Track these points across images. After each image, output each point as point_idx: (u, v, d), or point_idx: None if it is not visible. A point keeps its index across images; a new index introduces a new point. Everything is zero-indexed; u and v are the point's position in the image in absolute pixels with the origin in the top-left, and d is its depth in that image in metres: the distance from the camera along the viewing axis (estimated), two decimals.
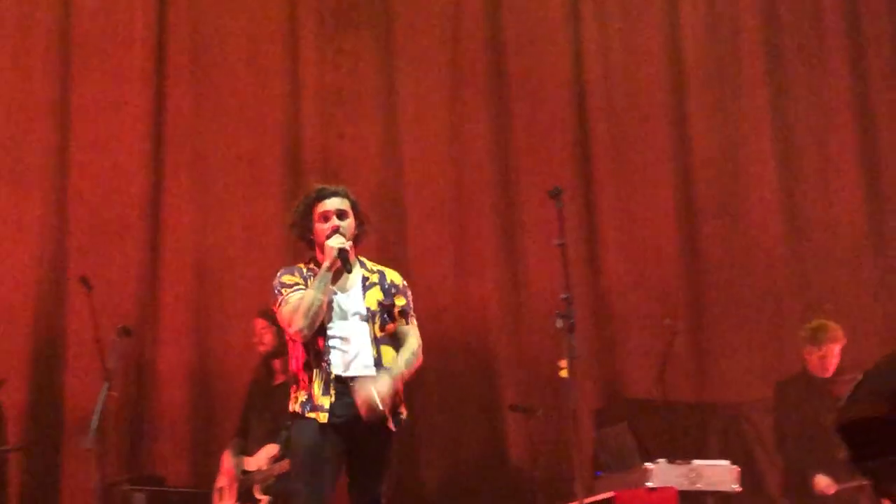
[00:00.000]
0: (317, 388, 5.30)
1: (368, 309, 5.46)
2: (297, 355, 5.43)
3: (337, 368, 5.32)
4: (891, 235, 9.65)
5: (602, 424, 8.27)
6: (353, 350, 5.38)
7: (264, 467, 7.23)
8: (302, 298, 5.35)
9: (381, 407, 5.20)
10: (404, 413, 5.47)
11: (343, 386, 5.30)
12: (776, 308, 9.36)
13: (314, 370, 5.34)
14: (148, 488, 7.67)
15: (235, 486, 7.34)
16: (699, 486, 7.00)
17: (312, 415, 5.28)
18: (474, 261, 9.20)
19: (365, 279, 5.54)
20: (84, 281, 7.42)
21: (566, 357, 5.63)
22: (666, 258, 9.45)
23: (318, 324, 5.34)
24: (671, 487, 6.85)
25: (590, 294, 9.05)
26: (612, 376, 9.10)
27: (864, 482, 6.77)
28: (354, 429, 5.27)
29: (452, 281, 9.09)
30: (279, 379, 7.56)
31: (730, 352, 9.23)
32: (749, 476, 7.48)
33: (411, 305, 5.65)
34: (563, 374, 5.63)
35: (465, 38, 9.50)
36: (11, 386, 8.05)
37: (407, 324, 5.59)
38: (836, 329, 7.74)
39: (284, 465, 7.09)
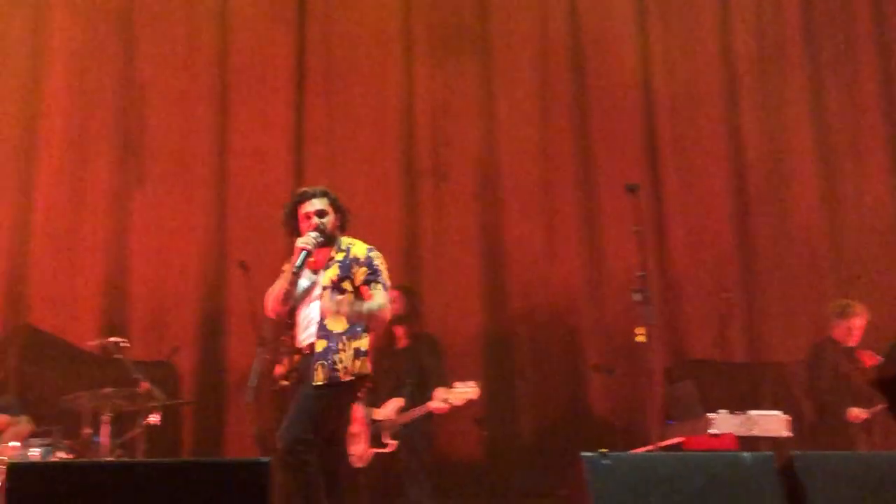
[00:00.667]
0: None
1: (323, 287, 5.41)
2: None
3: (296, 341, 5.41)
4: None
5: (671, 381, 8.27)
6: (305, 325, 5.40)
7: (392, 417, 7.30)
8: (274, 286, 5.41)
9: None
10: (341, 374, 5.33)
11: (297, 356, 5.38)
12: (817, 281, 9.29)
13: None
14: None
15: (367, 431, 7.38)
16: (754, 432, 7.03)
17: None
18: (560, 245, 9.18)
19: (330, 260, 5.46)
20: (242, 265, 7.54)
21: (643, 325, 5.65)
22: (722, 240, 9.39)
23: (282, 306, 5.38)
24: (730, 434, 6.88)
25: (659, 272, 9.01)
26: (679, 340, 9.06)
27: (885, 406, 7.17)
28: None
29: (542, 262, 9.09)
30: (401, 344, 7.64)
31: (778, 319, 9.17)
32: (797, 423, 7.45)
33: (378, 272, 5.46)
34: (641, 339, 5.68)
35: (550, 58, 9.46)
36: (185, 352, 8.25)
37: (371, 291, 5.43)
38: (860, 307, 7.91)
39: (409, 415, 7.25)
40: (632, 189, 6.01)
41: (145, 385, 6.88)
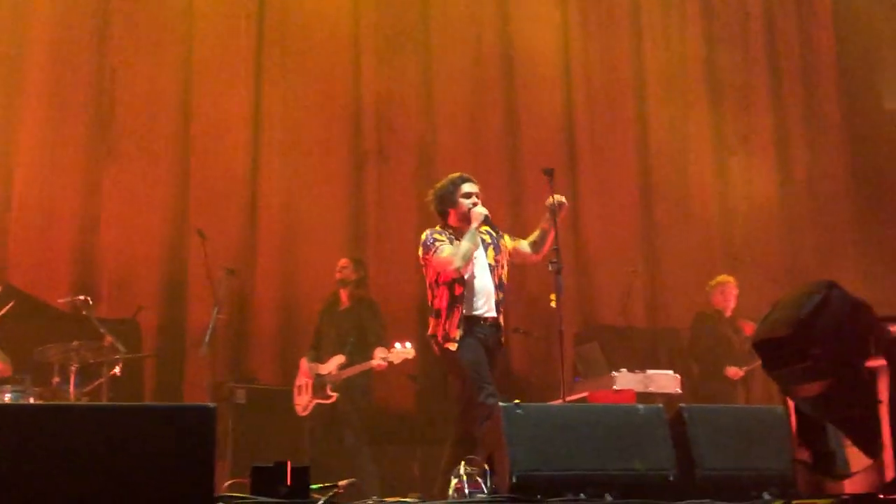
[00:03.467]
0: (454, 323, 5.39)
1: (489, 264, 5.53)
2: (440, 295, 5.48)
3: (468, 310, 5.42)
4: (798, 210, 9.84)
5: (580, 343, 8.30)
6: (483, 295, 5.47)
7: (334, 371, 7.25)
8: (459, 246, 5.39)
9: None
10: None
11: (470, 324, 5.40)
12: (709, 260, 9.44)
13: (453, 309, 5.40)
14: (246, 385, 7.70)
15: (311, 384, 7.37)
16: (651, 389, 7.09)
17: (448, 345, 5.36)
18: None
19: (484, 240, 5.59)
20: (200, 233, 7.36)
21: (555, 292, 5.64)
22: (629, 221, 9.51)
23: (469, 265, 5.39)
24: (630, 390, 6.95)
25: (573, 247, 9.03)
26: (588, 307, 9.17)
27: (759, 364, 7.12)
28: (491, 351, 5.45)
29: None
30: (344, 305, 7.56)
31: (674, 291, 9.32)
32: (686, 381, 7.53)
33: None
34: (553, 304, 5.64)
35: (484, 59, 9.48)
36: (148, 311, 8.05)
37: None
38: (732, 279, 8.17)
39: (351, 370, 7.18)
40: (548, 173, 5.92)
41: (109, 339, 6.77)
